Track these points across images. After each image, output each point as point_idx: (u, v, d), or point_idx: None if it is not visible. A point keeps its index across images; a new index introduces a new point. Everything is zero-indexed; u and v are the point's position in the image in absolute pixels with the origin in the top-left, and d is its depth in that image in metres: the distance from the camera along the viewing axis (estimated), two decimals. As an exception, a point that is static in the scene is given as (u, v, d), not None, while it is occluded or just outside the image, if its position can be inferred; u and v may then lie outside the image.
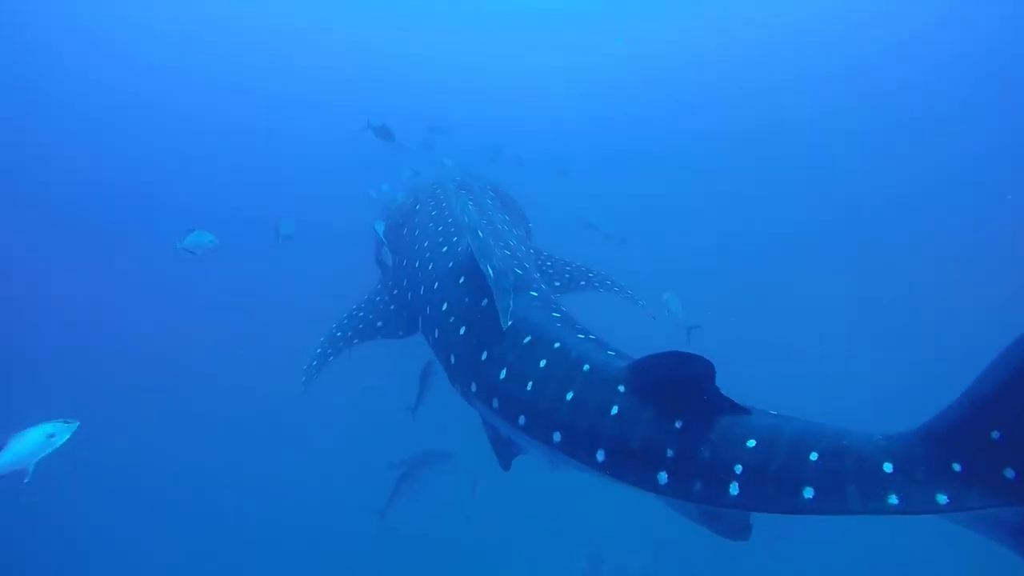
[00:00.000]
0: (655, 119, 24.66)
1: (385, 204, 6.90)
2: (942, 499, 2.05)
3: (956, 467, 2.07)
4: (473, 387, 3.77)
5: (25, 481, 4.78)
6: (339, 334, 5.68)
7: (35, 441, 4.84)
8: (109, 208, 19.35)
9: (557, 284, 5.83)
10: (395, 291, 5.82)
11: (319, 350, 5.63)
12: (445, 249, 4.99)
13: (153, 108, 21.66)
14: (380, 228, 6.60)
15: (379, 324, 5.70)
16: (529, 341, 3.54)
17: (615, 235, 12.75)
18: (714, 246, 18.87)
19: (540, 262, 5.95)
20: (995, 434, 1.98)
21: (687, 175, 21.00)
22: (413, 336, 5.43)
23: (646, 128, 23.52)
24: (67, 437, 4.89)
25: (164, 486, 12.83)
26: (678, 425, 2.70)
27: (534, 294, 4.04)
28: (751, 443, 2.51)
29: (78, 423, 4.94)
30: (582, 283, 5.95)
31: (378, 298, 5.91)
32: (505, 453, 3.99)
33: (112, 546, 11.90)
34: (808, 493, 2.31)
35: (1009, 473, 1.95)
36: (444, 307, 4.39)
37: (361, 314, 5.79)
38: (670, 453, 2.68)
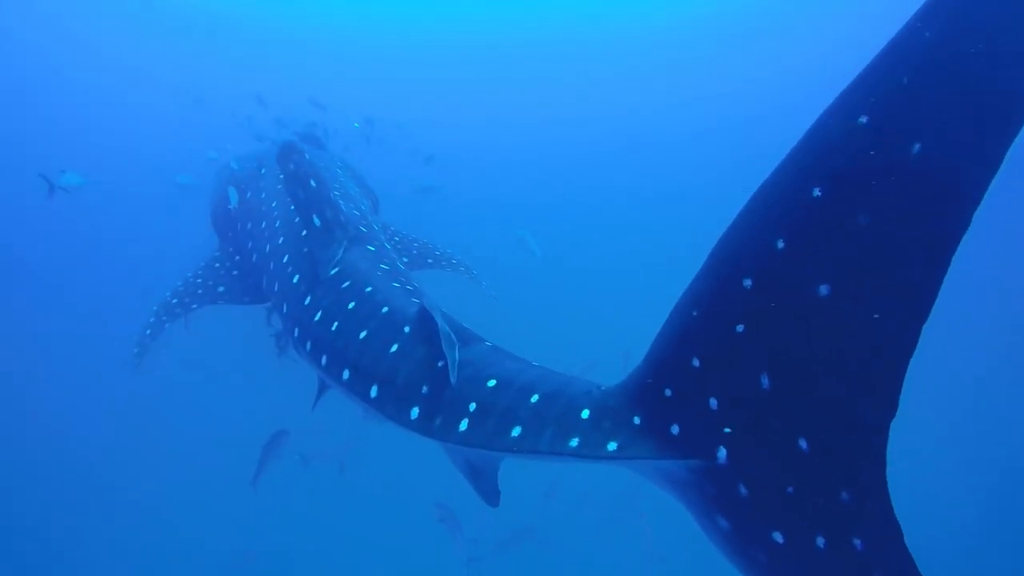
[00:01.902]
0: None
1: (222, 168, 6.71)
2: (612, 447, 2.13)
3: (636, 420, 2.13)
4: (296, 332, 3.90)
5: None
6: (175, 301, 5.55)
7: None
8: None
9: (405, 260, 5.92)
10: (237, 256, 5.73)
11: (152, 319, 5.48)
12: (293, 207, 4.99)
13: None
14: (233, 196, 6.43)
15: (220, 289, 5.63)
16: (347, 286, 3.69)
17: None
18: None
19: (387, 236, 6.00)
20: (667, 391, 2.03)
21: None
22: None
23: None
24: None
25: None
26: (440, 364, 2.83)
27: (371, 248, 4.19)
28: (491, 383, 2.62)
29: None
30: (429, 261, 6.12)
31: (218, 264, 5.81)
32: (320, 396, 4.18)
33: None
34: (516, 432, 2.38)
35: (675, 429, 2.01)
36: (285, 259, 4.51)
37: (200, 280, 5.68)
38: (425, 389, 2.82)
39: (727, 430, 1.89)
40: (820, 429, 1.74)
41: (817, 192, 1.61)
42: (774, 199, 1.71)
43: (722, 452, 1.89)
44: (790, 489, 1.79)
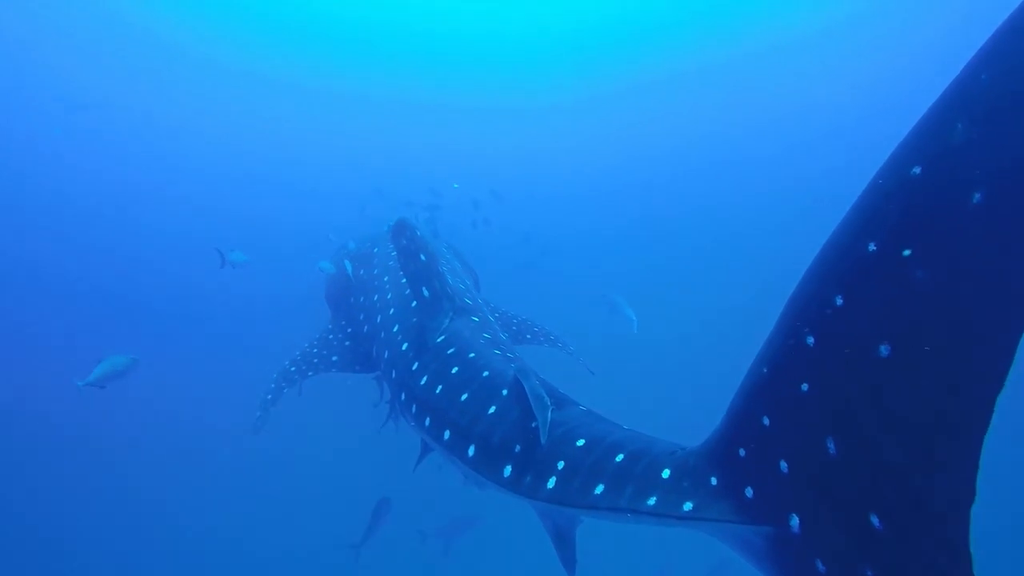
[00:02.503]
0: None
1: (339, 247, 7.35)
2: (687, 507, 2.11)
3: (713, 480, 2.10)
4: (403, 396, 4.13)
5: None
6: (292, 369, 6.05)
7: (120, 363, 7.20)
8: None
9: (505, 335, 6.18)
10: (349, 329, 6.20)
11: (272, 385, 5.99)
12: (404, 280, 5.36)
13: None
14: (349, 268, 7.00)
15: (334, 359, 6.08)
16: (451, 352, 3.91)
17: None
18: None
19: (489, 311, 6.30)
20: (741, 451, 1.99)
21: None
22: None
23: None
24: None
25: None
26: (534, 425, 2.92)
27: (475, 319, 4.45)
28: (580, 443, 2.69)
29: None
30: (528, 337, 6.36)
31: (331, 336, 6.29)
32: (422, 458, 4.38)
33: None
34: (598, 489, 2.41)
35: (749, 492, 1.95)
36: (395, 328, 4.84)
37: (315, 350, 6.17)
38: (518, 448, 2.93)
39: (799, 496, 1.80)
40: (891, 506, 1.59)
41: (872, 247, 1.54)
42: (834, 254, 1.67)
43: (795, 520, 1.81)
44: (868, 573, 1.64)
